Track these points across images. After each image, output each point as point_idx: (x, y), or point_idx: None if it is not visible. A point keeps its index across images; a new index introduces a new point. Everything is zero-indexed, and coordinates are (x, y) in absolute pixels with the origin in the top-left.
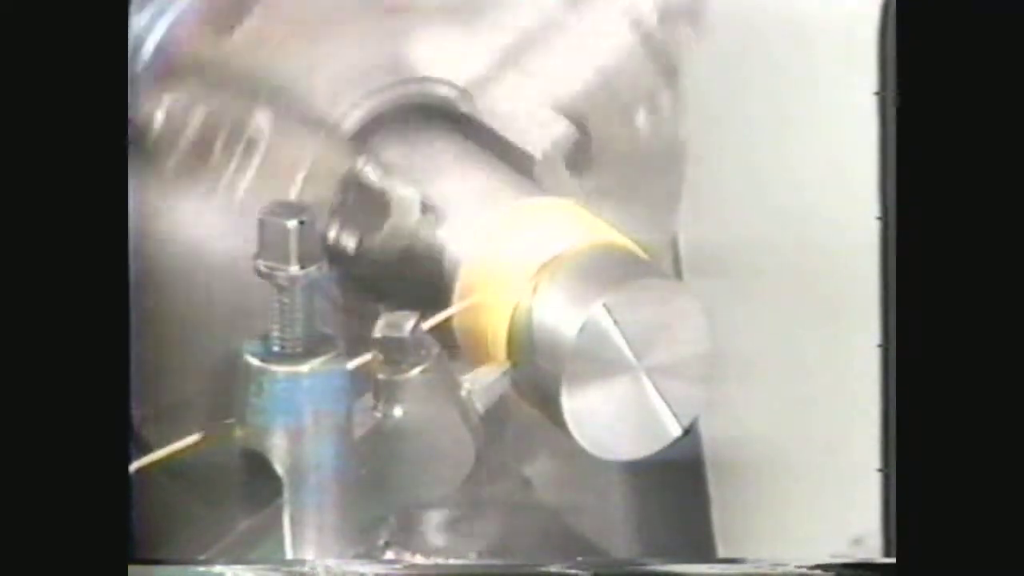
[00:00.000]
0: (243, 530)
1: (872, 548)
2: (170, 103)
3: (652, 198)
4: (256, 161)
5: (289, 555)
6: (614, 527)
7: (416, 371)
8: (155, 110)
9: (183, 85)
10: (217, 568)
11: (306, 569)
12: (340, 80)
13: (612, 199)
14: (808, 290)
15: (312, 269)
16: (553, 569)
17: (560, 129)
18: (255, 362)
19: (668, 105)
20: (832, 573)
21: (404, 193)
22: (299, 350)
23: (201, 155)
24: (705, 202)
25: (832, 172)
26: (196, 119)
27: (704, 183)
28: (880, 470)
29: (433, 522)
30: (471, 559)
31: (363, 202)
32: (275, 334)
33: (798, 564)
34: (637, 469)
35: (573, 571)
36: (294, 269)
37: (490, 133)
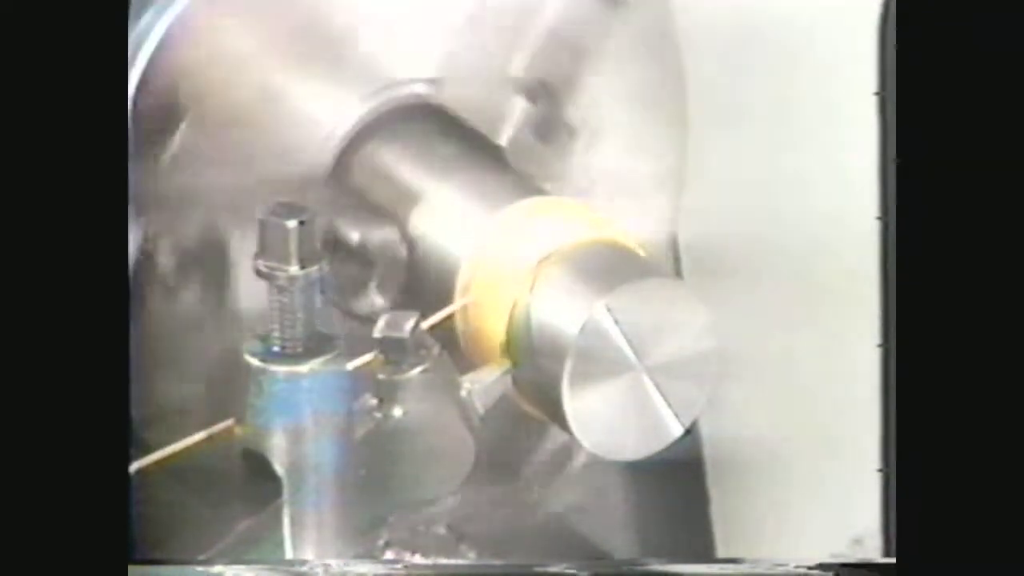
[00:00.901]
0: (243, 530)
1: (872, 548)
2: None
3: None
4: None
5: (289, 555)
6: (614, 527)
7: (416, 371)
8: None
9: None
10: (217, 568)
11: (306, 569)
12: (327, 90)
13: (611, 138)
14: (808, 290)
15: (312, 269)
16: (553, 569)
17: (518, 109)
18: (255, 362)
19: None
20: (832, 573)
21: (384, 237)
22: (299, 350)
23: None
24: (705, 202)
25: (832, 172)
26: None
27: (704, 182)
28: (880, 470)
29: (433, 522)
30: (471, 559)
31: (349, 261)
32: (275, 334)
33: (798, 564)
34: (637, 469)
35: (573, 571)
36: (294, 269)
37: (466, 127)
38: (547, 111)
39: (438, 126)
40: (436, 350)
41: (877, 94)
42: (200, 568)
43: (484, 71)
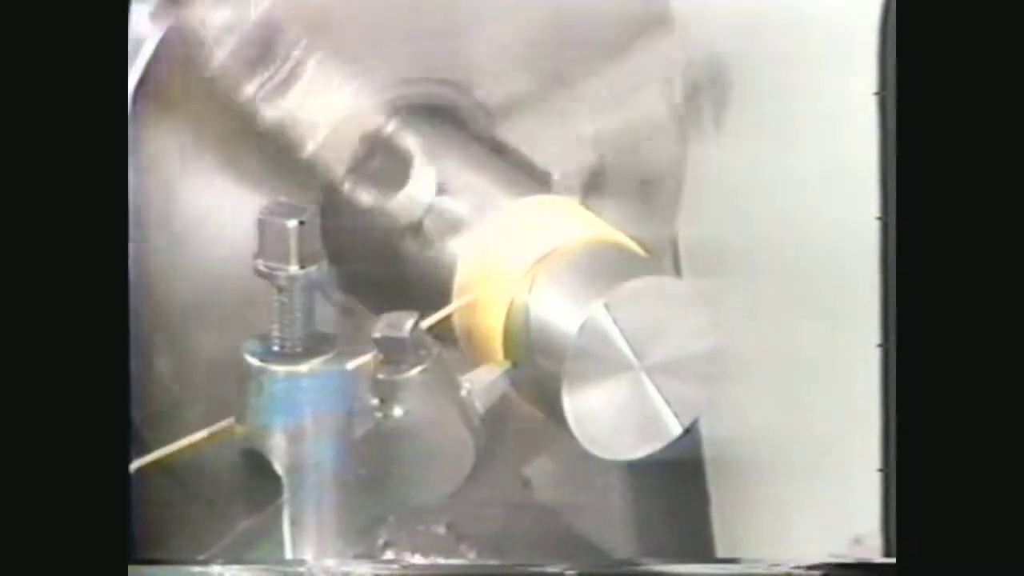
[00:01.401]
0: (243, 530)
1: (872, 548)
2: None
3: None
4: (293, 94)
5: (289, 555)
6: (614, 526)
7: (416, 371)
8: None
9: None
10: (217, 568)
11: (304, 570)
12: (381, 57)
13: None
14: (808, 290)
15: (312, 269)
16: (552, 569)
17: (586, 156)
18: (255, 362)
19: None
20: (832, 573)
21: (427, 168)
22: (299, 350)
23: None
24: (705, 202)
25: (832, 172)
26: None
27: (704, 183)
28: (880, 470)
29: (433, 522)
30: (471, 559)
31: (385, 163)
32: (275, 334)
33: (797, 564)
34: (637, 469)
35: (573, 571)
36: (294, 269)
37: (506, 147)
38: (598, 172)
39: (436, 126)
40: (436, 350)
41: (877, 94)
42: (200, 568)
43: (550, 116)
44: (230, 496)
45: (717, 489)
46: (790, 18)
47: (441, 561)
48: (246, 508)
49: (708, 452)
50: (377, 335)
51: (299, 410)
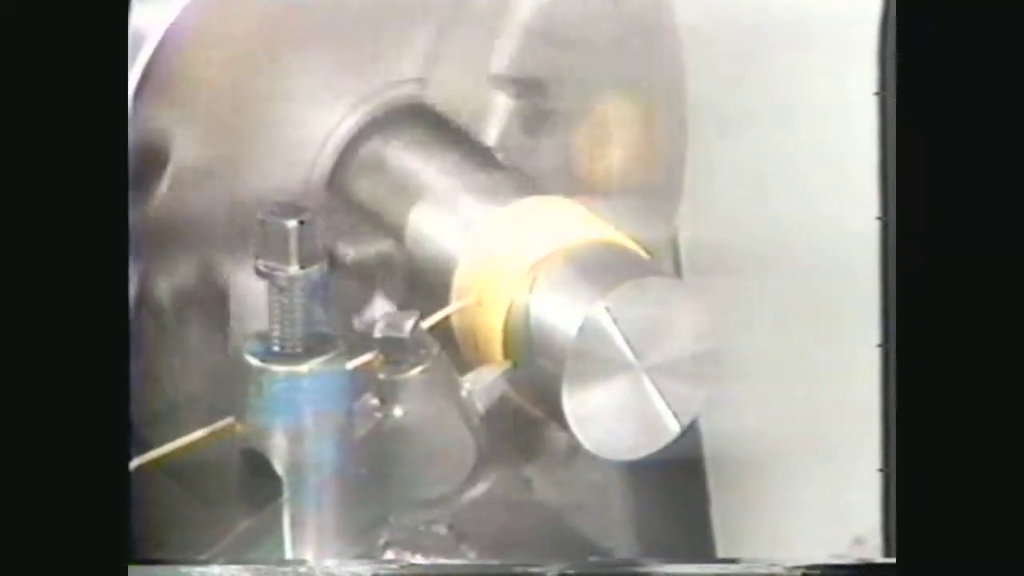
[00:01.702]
0: (243, 530)
1: (872, 548)
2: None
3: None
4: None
5: (289, 555)
6: (614, 527)
7: (416, 371)
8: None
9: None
10: (217, 568)
11: (304, 570)
12: (326, 89)
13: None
14: (808, 290)
15: (312, 269)
16: (552, 570)
17: (502, 107)
18: (255, 362)
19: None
20: (831, 573)
21: (381, 250)
22: (299, 350)
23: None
24: (705, 202)
25: (832, 172)
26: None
27: (704, 183)
28: (880, 470)
29: (433, 522)
30: (471, 559)
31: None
32: (275, 334)
33: (797, 564)
34: (637, 469)
35: (573, 571)
36: (294, 269)
37: (459, 127)
38: (533, 106)
39: (433, 126)
40: (436, 350)
41: (877, 94)
42: (200, 568)
43: (467, 69)
44: (230, 496)
45: (717, 489)
46: (790, 18)
47: (441, 561)
48: (246, 508)
49: (708, 452)
50: (377, 335)
51: (299, 410)
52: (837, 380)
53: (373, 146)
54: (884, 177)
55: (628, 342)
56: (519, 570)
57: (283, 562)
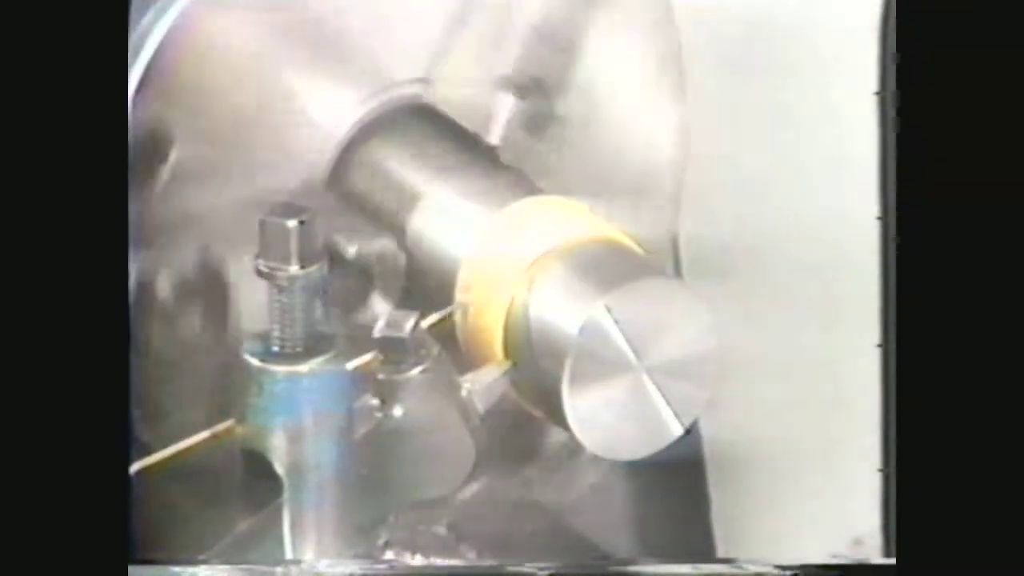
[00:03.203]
0: (243, 530)
1: (872, 548)
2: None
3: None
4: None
5: (289, 555)
6: (614, 527)
7: (416, 371)
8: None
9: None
10: (218, 569)
11: (303, 569)
12: (324, 93)
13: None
14: (808, 290)
15: (312, 269)
16: (552, 570)
17: (506, 107)
18: (255, 362)
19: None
20: (831, 573)
21: (381, 248)
22: (299, 350)
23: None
24: (705, 202)
25: (832, 172)
26: None
27: (705, 182)
28: (880, 470)
29: (433, 522)
30: (471, 559)
31: (348, 275)
32: (275, 334)
33: (796, 564)
34: (637, 469)
35: (572, 572)
36: (294, 269)
37: (462, 127)
38: (537, 106)
39: (435, 126)
40: (436, 350)
41: (877, 94)
42: (200, 568)
43: (471, 70)
44: (230, 496)
45: (718, 490)
46: (790, 19)
47: (440, 562)
48: (246, 508)
49: (709, 452)
50: (377, 335)
51: (299, 410)
52: (837, 380)
53: (374, 146)
54: (884, 177)
55: (629, 342)
56: (512, 569)
57: (283, 562)
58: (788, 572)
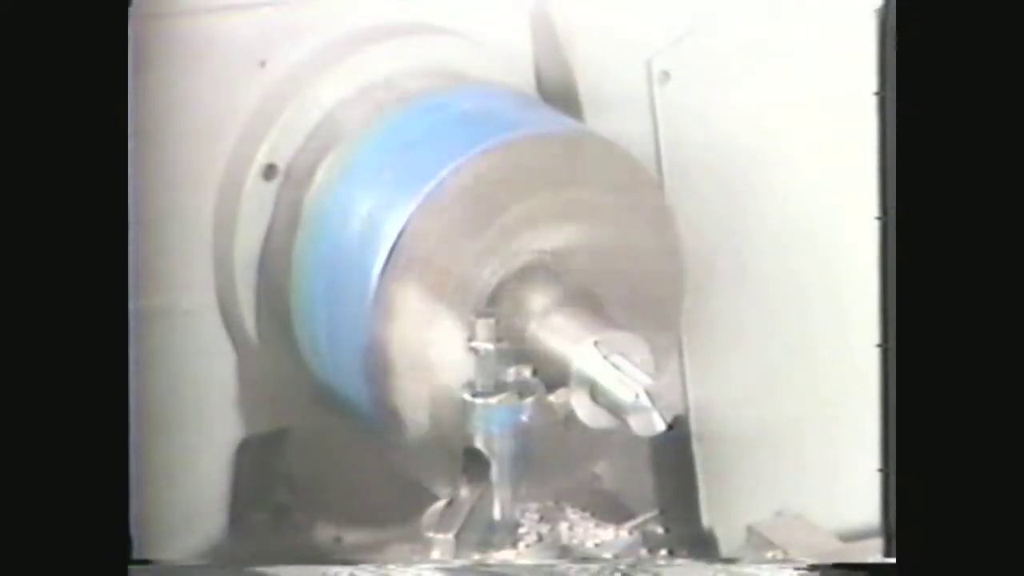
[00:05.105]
0: (455, 505)
1: (872, 548)
2: None
3: None
4: None
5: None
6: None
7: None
8: None
9: None
10: (220, 570)
11: (319, 570)
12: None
13: None
14: (808, 290)
15: (501, 345)
16: (555, 567)
17: None
18: (467, 397)
19: None
20: (831, 573)
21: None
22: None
23: None
24: (705, 202)
25: (832, 172)
26: None
27: (704, 183)
28: (880, 470)
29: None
30: (470, 559)
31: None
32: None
33: (795, 564)
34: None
35: (576, 568)
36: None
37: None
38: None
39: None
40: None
41: (877, 94)
42: (199, 569)
43: None
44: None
45: (717, 489)
46: (790, 19)
47: (440, 562)
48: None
49: (709, 451)
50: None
51: (501, 424)
52: (837, 380)
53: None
54: (884, 177)
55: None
56: (519, 570)
57: (282, 563)
58: (789, 571)
